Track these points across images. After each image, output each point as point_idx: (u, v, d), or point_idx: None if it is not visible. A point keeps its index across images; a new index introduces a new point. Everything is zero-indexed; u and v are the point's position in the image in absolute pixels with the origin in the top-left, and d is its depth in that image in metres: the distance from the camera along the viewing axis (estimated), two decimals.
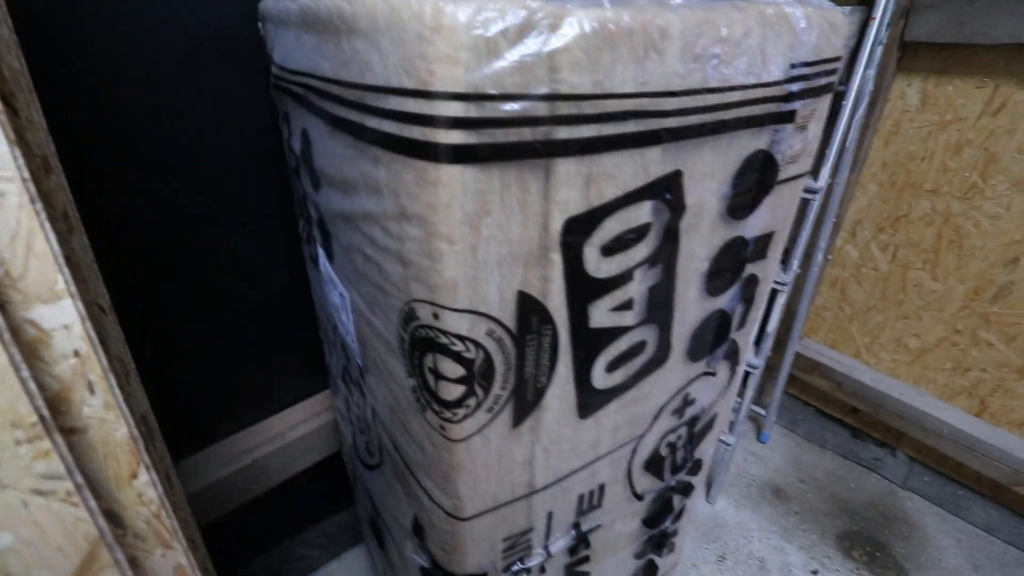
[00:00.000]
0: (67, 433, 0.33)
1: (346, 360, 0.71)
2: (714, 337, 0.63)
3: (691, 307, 0.57)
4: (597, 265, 0.45)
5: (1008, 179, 1.07)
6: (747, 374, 1.21)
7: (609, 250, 0.45)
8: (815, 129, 0.57)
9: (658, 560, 0.87)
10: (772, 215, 0.59)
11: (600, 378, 0.53)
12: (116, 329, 0.54)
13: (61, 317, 0.31)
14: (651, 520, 0.77)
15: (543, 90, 0.35)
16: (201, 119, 0.71)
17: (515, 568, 0.61)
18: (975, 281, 1.16)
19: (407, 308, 0.43)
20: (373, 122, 0.38)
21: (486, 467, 0.50)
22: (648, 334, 0.54)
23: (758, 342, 1.22)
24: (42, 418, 0.30)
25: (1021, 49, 1.00)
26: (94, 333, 0.33)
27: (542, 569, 0.65)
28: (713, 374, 0.68)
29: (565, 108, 0.37)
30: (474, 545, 0.56)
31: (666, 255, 0.50)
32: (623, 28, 0.36)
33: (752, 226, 0.57)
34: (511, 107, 0.35)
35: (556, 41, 0.34)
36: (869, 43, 1.02)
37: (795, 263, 1.16)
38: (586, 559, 0.71)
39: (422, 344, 0.44)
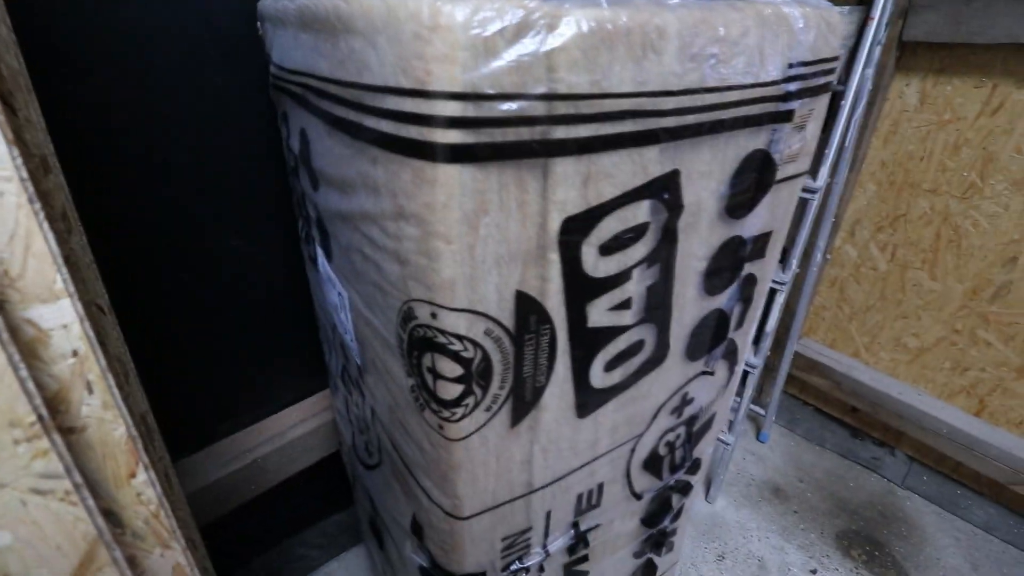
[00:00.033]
0: (65, 433, 0.33)
1: (345, 360, 0.71)
2: (712, 336, 0.63)
3: (689, 306, 0.57)
4: (595, 264, 0.45)
5: (1006, 178, 1.07)
6: (746, 373, 1.21)
7: (607, 249, 0.45)
8: (813, 129, 0.57)
9: (657, 559, 0.87)
10: (770, 214, 0.59)
11: (598, 377, 0.53)
12: (115, 329, 0.54)
13: (60, 317, 0.31)
14: (650, 519, 0.77)
15: (541, 90, 0.35)
16: (200, 119, 0.71)
17: (514, 567, 0.62)
18: (974, 280, 1.16)
19: (405, 307, 0.43)
20: (371, 122, 0.38)
21: (484, 466, 0.50)
22: (646, 333, 0.54)
23: (757, 341, 1.22)
24: (40, 417, 0.30)
25: (1019, 48, 1.00)
26: (92, 333, 0.33)
27: (541, 568, 0.65)
28: (711, 373, 0.68)
29: (563, 108, 0.37)
30: (473, 544, 0.56)
31: (664, 254, 0.50)
32: (620, 28, 0.36)
33: (750, 225, 0.57)
34: (508, 107, 0.35)
35: (553, 41, 0.34)
36: (868, 43, 1.02)
37: (794, 262, 1.16)
38: (585, 558, 0.71)
39: (420, 343, 0.44)
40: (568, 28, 0.34)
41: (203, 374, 0.84)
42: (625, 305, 0.50)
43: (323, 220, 0.59)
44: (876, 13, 1.00)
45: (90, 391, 0.33)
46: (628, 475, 0.67)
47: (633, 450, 0.64)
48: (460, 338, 0.42)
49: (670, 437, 0.69)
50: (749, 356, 1.22)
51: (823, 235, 1.23)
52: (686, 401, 0.67)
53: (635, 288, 0.50)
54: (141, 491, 0.37)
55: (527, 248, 0.41)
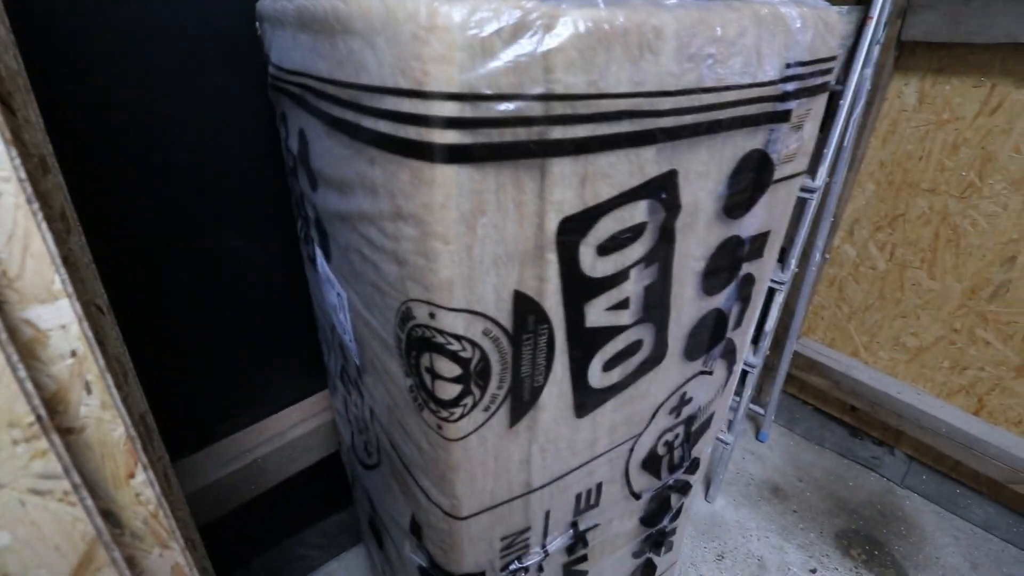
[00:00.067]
0: (64, 433, 0.33)
1: (344, 360, 0.71)
2: (711, 336, 0.63)
3: (687, 306, 0.57)
4: (593, 264, 0.46)
5: (1005, 178, 1.07)
6: (745, 373, 1.22)
7: (605, 249, 0.45)
8: (811, 128, 0.57)
9: (656, 559, 0.88)
10: (768, 214, 0.59)
11: (596, 377, 0.53)
12: (114, 329, 0.54)
13: (58, 317, 0.31)
14: (649, 519, 0.77)
15: (538, 90, 0.35)
16: (200, 119, 0.71)
17: (513, 567, 0.62)
18: (972, 280, 1.16)
19: (404, 308, 0.44)
20: (369, 122, 0.38)
21: (483, 466, 0.50)
22: (644, 333, 0.54)
23: (756, 341, 1.22)
24: (39, 418, 0.30)
25: (1018, 48, 1.00)
26: (91, 333, 0.33)
27: (540, 568, 0.65)
28: (710, 373, 0.68)
29: (560, 108, 0.37)
30: (471, 544, 0.56)
31: (662, 254, 0.50)
32: (617, 28, 0.36)
33: (748, 225, 0.57)
34: (506, 107, 0.35)
35: (550, 41, 0.34)
36: (866, 42, 1.02)
37: (793, 262, 1.16)
38: (584, 558, 0.71)
39: (419, 344, 0.44)
40: (565, 28, 0.34)
41: (202, 374, 0.85)
42: (623, 305, 0.50)
43: (322, 220, 0.59)
44: (875, 13, 1.00)
45: (89, 391, 0.33)
46: (627, 475, 0.67)
47: (632, 450, 0.65)
48: (458, 338, 0.42)
49: (669, 437, 0.69)
50: (748, 355, 1.22)
51: (822, 235, 1.23)
52: (684, 401, 0.67)
53: (633, 288, 0.50)
54: (140, 491, 0.37)
55: (525, 248, 0.41)
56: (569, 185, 0.40)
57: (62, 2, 0.58)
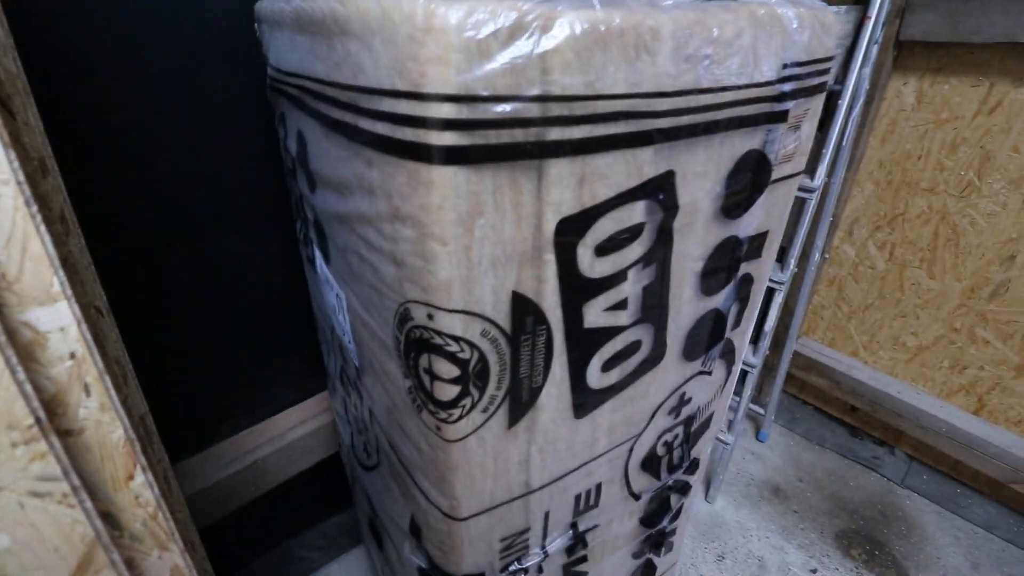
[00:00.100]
0: (63, 435, 0.33)
1: (343, 361, 0.71)
2: (709, 336, 0.63)
3: (686, 306, 0.57)
4: (591, 265, 0.46)
5: (1004, 177, 1.07)
6: (745, 373, 1.21)
7: (603, 250, 0.45)
8: (808, 129, 0.57)
9: (656, 559, 0.87)
10: (766, 214, 0.59)
11: (595, 378, 0.53)
12: (114, 331, 0.54)
13: (57, 320, 0.31)
14: (649, 519, 0.77)
15: (535, 91, 0.35)
16: (199, 120, 0.72)
17: (512, 568, 0.62)
18: (972, 279, 1.16)
19: (402, 309, 0.44)
20: (366, 124, 0.38)
21: (482, 467, 0.50)
22: (643, 333, 0.54)
23: (756, 341, 1.22)
24: (38, 420, 0.30)
25: (1016, 47, 1.00)
26: (90, 335, 0.33)
27: (540, 569, 0.65)
28: (709, 373, 0.68)
29: (557, 109, 0.37)
30: (471, 545, 0.56)
31: (660, 255, 0.50)
32: (614, 29, 0.36)
33: (746, 225, 0.57)
34: (503, 108, 0.35)
35: (547, 43, 0.34)
36: (865, 42, 1.02)
37: (792, 262, 1.16)
38: (584, 559, 0.71)
39: (417, 345, 0.44)
40: (561, 30, 0.35)
41: (202, 376, 0.85)
42: (621, 305, 0.50)
43: (320, 222, 0.59)
44: (873, 12, 1.00)
45: (88, 393, 0.33)
46: (626, 475, 0.67)
47: (631, 450, 0.65)
48: (456, 339, 0.42)
49: (668, 437, 0.69)
50: (748, 355, 1.22)
51: (821, 234, 1.23)
52: (684, 401, 0.67)
53: (631, 288, 0.50)
54: (139, 493, 0.37)
55: (523, 249, 0.42)
56: (567, 186, 0.40)
57: (61, 4, 0.59)
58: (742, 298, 0.65)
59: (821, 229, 1.22)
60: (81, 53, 0.61)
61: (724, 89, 0.45)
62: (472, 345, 0.43)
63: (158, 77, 0.67)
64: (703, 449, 0.80)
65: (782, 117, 0.52)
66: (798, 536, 1.24)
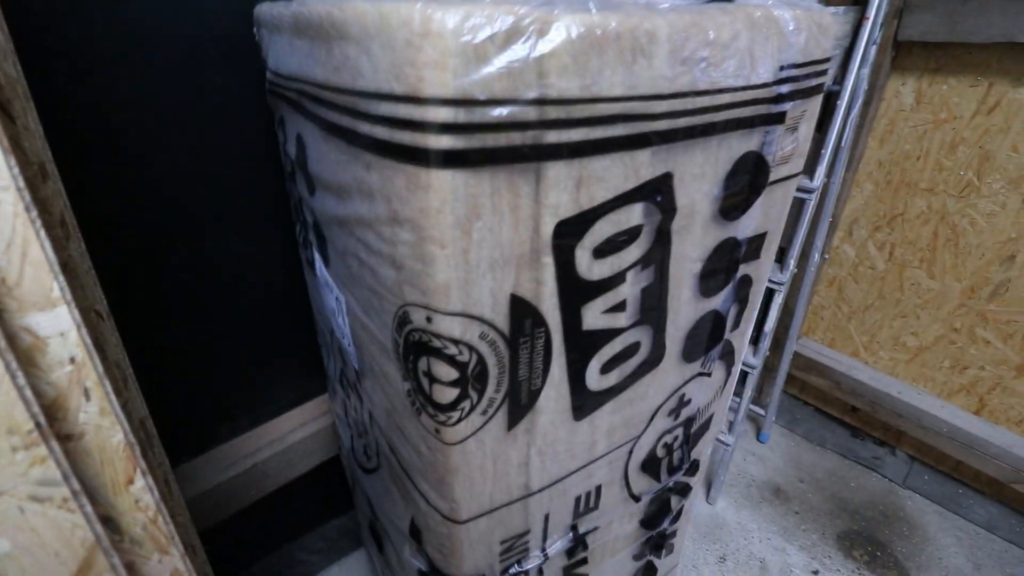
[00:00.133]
0: (63, 439, 0.33)
1: (343, 364, 0.71)
2: (708, 338, 0.63)
3: (685, 308, 0.57)
4: (589, 267, 0.46)
5: (1003, 177, 1.07)
6: (745, 374, 1.21)
7: (601, 252, 0.46)
8: (806, 130, 0.58)
9: (657, 561, 0.87)
10: (764, 216, 0.59)
11: (594, 380, 0.53)
12: (114, 335, 0.54)
13: (57, 324, 0.31)
14: (649, 521, 0.77)
15: (532, 95, 0.36)
16: (199, 124, 0.72)
17: (513, 571, 0.62)
18: (972, 279, 1.16)
19: (401, 312, 0.44)
20: (365, 127, 0.39)
21: (481, 470, 0.50)
22: (642, 335, 0.54)
23: (756, 342, 1.22)
24: (38, 425, 0.30)
25: (1014, 47, 1.00)
26: (90, 340, 0.33)
27: (540, 571, 0.65)
28: (708, 375, 0.68)
29: (554, 112, 0.37)
30: (471, 548, 0.56)
31: (658, 256, 0.50)
32: (610, 33, 0.37)
33: (744, 227, 0.57)
34: (500, 112, 0.35)
35: (544, 46, 0.35)
36: (863, 43, 1.02)
37: (792, 263, 1.16)
38: (584, 561, 0.71)
39: (416, 348, 0.44)
40: (558, 34, 0.35)
41: (203, 379, 0.85)
42: (620, 307, 0.50)
43: (320, 225, 0.59)
44: (871, 13, 1.01)
45: (88, 398, 0.34)
46: (626, 477, 0.67)
47: (631, 452, 0.65)
48: (455, 342, 0.42)
49: (668, 439, 0.69)
50: (748, 356, 1.22)
51: (820, 235, 1.23)
52: (683, 403, 0.67)
53: (630, 290, 0.50)
54: (139, 497, 0.37)
55: (521, 252, 0.42)
56: (564, 189, 0.41)
57: (61, 9, 0.59)
58: (741, 299, 0.65)
59: (821, 229, 1.22)
60: (81, 54, 0.61)
61: (721, 91, 0.45)
62: (471, 348, 0.43)
63: (158, 78, 0.67)
64: (703, 450, 0.80)
65: (779, 119, 0.52)
66: (800, 537, 1.24)
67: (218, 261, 0.80)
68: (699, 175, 0.49)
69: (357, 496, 0.99)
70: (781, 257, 1.18)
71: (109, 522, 0.36)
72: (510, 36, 0.34)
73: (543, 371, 0.48)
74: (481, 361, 0.44)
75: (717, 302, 0.61)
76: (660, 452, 0.70)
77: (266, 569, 1.04)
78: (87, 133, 0.64)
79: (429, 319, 0.41)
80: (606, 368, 0.53)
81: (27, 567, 0.33)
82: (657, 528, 0.80)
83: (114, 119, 0.66)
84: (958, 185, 1.13)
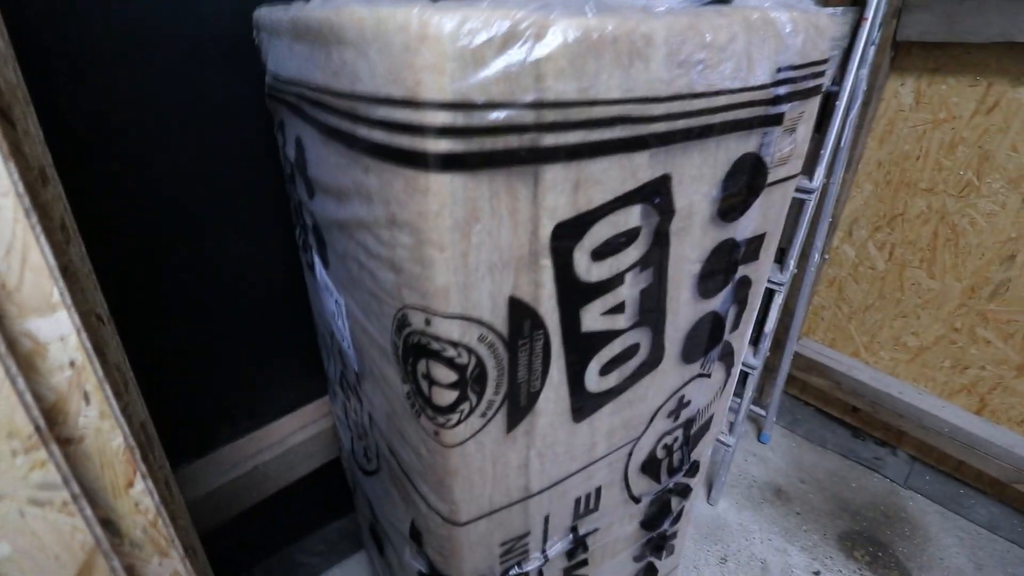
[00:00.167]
0: (63, 443, 0.33)
1: (343, 366, 0.71)
2: (708, 339, 0.63)
3: (684, 309, 0.57)
4: (588, 269, 0.46)
5: (1003, 177, 1.07)
6: (746, 374, 1.21)
7: (599, 254, 0.46)
8: (804, 131, 0.58)
9: (657, 563, 0.87)
10: (763, 217, 0.59)
11: (593, 381, 0.53)
12: (115, 338, 0.54)
13: (57, 329, 0.32)
14: (649, 523, 0.77)
15: (529, 98, 0.36)
16: (199, 125, 0.72)
17: (513, 572, 0.62)
18: (972, 279, 1.16)
19: (400, 314, 0.44)
20: (363, 131, 0.39)
21: (481, 472, 0.50)
22: (641, 337, 0.54)
23: (756, 342, 1.22)
24: (38, 429, 0.30)
25: (1013, 47, 1.00)
26: (90, 344, 0.33)
27: (540, 573, 0.65)
28: (708, 376, 0.68)
29: (551, 115, 0.37)
30: (471, 550, 0.56)
31: (657, 258, 0.50)
32: (607, 36, 0.37)
33: (743, 228, 0.57)
34: (497, 115, 0.35)
35: (541, 50, 0.35)
36: (861, 43, 1.02)
37: (792, 263, 1.16)
38: (584, 562, 0.71)
39: (415, 350, 0.44)
40: (555, 38, 0.35)
41: (203, 381, 0.85)
42: (619, 309, 0.50)
43: (319, 228, 0.59)
44: (869, 14, 1.01)
45: (87, 401, 0.34)
46: (626, 479, 0.67)
47: (630, 454, 0.65)
48: (454, 344, 0.42)
49: (667, 440, 0.69)
50: (748, 357, 1.22)
51: (820, 235, 1.23)
52: (683, 404, 0.67)
53: (628, 292, 0.50)
54: (139, 500, 0.38)
55: (519, 254, 0.42)
56: (562, 191, 0.41)
57: (61, 14, 0.59)
58: (740, 300, 0.65)
59: (820, 230, 1.22)
60: (81, 57, 0.61)
61: (718, 93, 0.45)
62: (470, 350, 0.43)
63: (158, 80, 0.67)
64: (703, 451, 0.80)
65: (777, 120, 0.52)
66: (801, 538, 1.24)
67: (219, 263, 0.80)
68: (697, 177, 0.49)
69: (358, 498, 0.99)
70: (781, 257, 1.18)
71: (109, 525, 0.36)
72: (507, 40, 0.34)
73: (542, 373, 0.48)
74: (480, 363, 0.44)
75: (716, 303, 0.61)
76: (660, 453, 0.70)
77: (267, 571, 1.04)
78: (87, 136, 0.64)
79: (428, 322, 0.42)
80: (605, 370, 0.53)
81: (27, 570, 0.33)
82: (657, 529, 0.80)
83: (114, 121, 0.66)
84: (958, 185, 1.13)
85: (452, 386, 0.44)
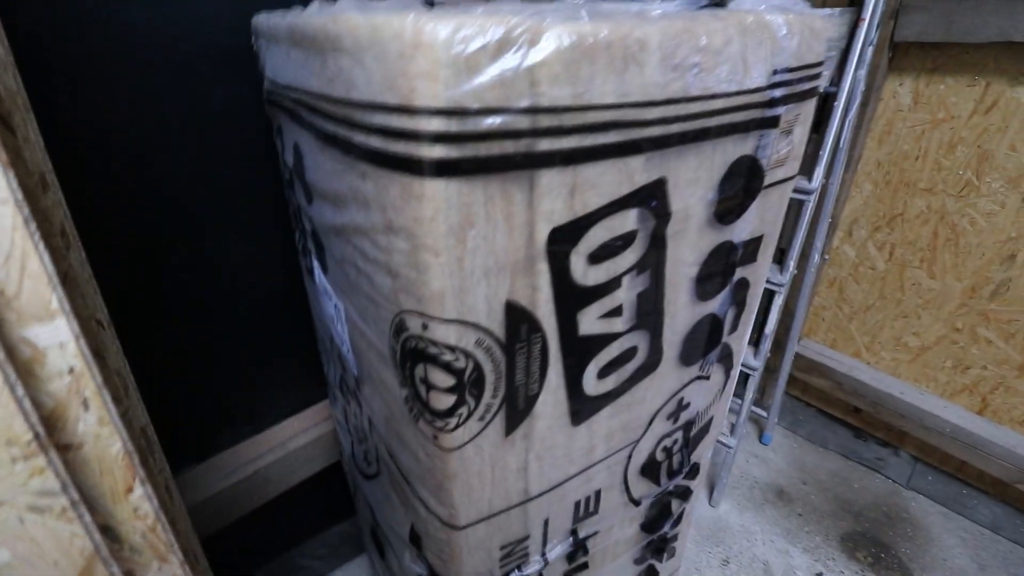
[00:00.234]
0: (62, 450, 0.33)
1: (342, 370, 0.71)
2: (706, 341, 0.63)
3: (682, 312, 0.57)
4: (584, 273, 0.46)
5: (1002, 176, 1.07)
6: (746, 376, 1.21)
7: (596, 258, 0.46)
8: (801, 133, 0.58)
9: (658, 565, 0.87)
10: (760, 219, 0.59)
11: (592, 384, 0.53)
12: (115, 343, 0.54)
13: (55, 336, 0.32)
14: (649, 525, 0.77)
15: (524, 104, 0.36)
16: (199, 129, 0.72)
17: None
18: (972, 278, 1.16)
19: (397, 319, 0.44)
20: (360, 137, 0.39)
21: (480, 476, 0.51)
22: (639, 340, 0.54)
23: (757, 343, 1.22)
24: (37, 435, 0.31)
25: (1011, 47, 1.00)
26: (89, 350, 0.33)
27: None
28: (707, 378, 0.68)
29: (546, 120, 0.37)
30: (470, 554, 0.56)
31: (654, 261, 0.50)
32: (601, 41, 0.37)
33: (740, 230, 0.57)
34: (492, 121, 0.35)
35: (535, 56, 0.35)
36: (859, 44, 1.02)
37: (792, 264, 1.16)
38: (585, 565, 0.71)
39: (412, 354, 0.44)
40: (549, 43, 0.35)
41: (204, 386, 0.85)
42: (616, 312, 0.50)
43: (318, 233, 0.59)
44: (867, 14, 1.01)
45: (86, 408, 0.34)
46: (625, 481, 0.67)
47: (630, 456, 0.65)
48: (451, 349, 0.42)
49: (667, 442, 0.69)
50: (749, 358, 1.22)
51: (820, 236, 1.23)
52: (682, 406, 0.67)
53: (626, 295, 0.50)
54: (138, 506, 0.38)
55: (516, 259, 0.42)
56: (558, 196, 0.41)
57: (61, 20, 0.59)
58: (738, 302, 0.65)
59: (820, 230, 1.22)
60: (80, 62, 0.62)
61: (714, 97, 0.45)
62: (467, 354, 0.43)
63: (158, 84, 0.67)
64: (703, 454, 0.80)
65: (773, 123, 0.52)
66: (803, 539, 1.24)
67: (218, 264, 0.80)
68: (693, 180, 0.49)
69: (358, 502, 0.99)
70: (781, 258, 1.18)
71: (108, 531, 0.36)
72: (501, 46, 0.34)
73: (540, 376, 0.48)
74: (478, 367, 0.44)
75: (714, 305, 0.61)
76: (659, 456, 0.69)
77: (268, 575, 1.04)
78: (88, 142, 0.65)
79: (425, 326, 0.42)
80: (603, 373, 0.53)
81: None
82: (658, 532, 0.80)
83: (115, 127, 0.66)
84: (957, 185, 1.13)
85: (450, 390, 0.44)
